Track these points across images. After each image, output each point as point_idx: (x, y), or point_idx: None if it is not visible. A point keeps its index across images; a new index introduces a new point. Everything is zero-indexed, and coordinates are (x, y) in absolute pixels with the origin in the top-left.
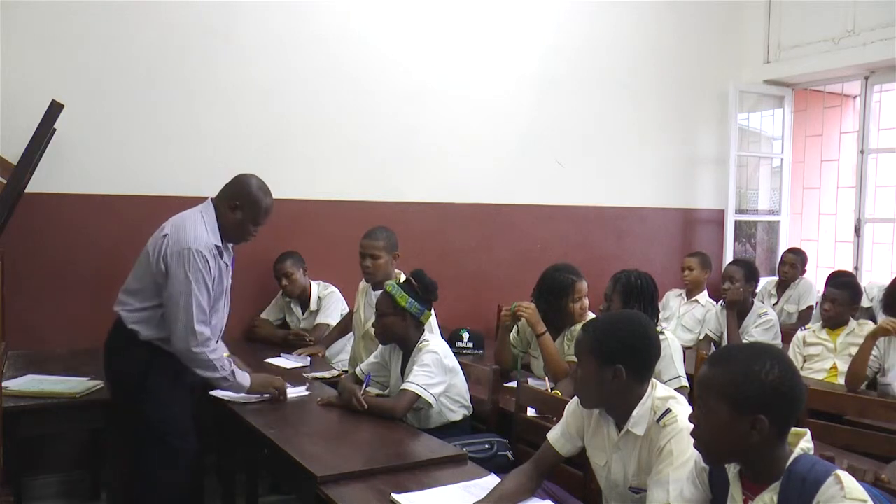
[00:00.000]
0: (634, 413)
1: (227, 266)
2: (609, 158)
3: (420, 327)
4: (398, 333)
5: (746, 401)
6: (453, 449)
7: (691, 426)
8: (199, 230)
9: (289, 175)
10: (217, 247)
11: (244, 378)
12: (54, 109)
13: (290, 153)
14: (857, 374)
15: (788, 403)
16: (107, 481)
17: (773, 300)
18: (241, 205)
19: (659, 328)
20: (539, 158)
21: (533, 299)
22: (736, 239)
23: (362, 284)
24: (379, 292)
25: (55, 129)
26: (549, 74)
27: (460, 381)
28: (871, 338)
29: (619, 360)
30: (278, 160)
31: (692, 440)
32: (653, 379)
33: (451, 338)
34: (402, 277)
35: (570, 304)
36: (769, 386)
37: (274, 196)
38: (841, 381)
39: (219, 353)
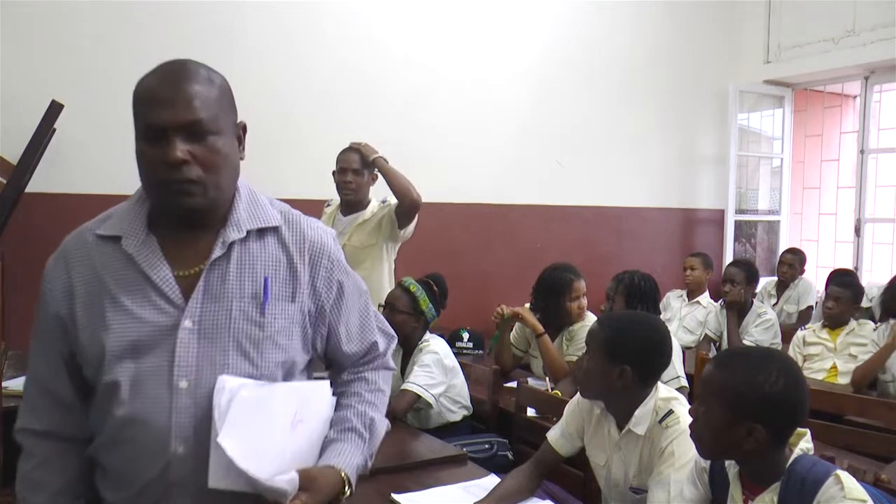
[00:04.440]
0: (636, 413)
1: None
2: (609, 158)
3: (425, 330)
4: (405, 332)
5: (745, 408)
6: (453, 449)
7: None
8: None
9: (290, 175)
10: (101, 236)
11: None
12: (54, 109)
13: (291, 153)
14: (865, 376)
15: (789, 415)
16: None
17: (773, 300)
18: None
19: None
20: (539, 158)
21: (532, 299)
22: (736, 239)
23: (330, 209)
24: (350, 217)
25: (55, 129)
26: (548, 75)
27: (460, 381)
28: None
29: (627, 362)
30: (279, 160)
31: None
32: None
33: (451, 338)
34: (375, 201)
35: (568, 303)
36: (770, 397)
37: (279, 196)
38: (841, 380)
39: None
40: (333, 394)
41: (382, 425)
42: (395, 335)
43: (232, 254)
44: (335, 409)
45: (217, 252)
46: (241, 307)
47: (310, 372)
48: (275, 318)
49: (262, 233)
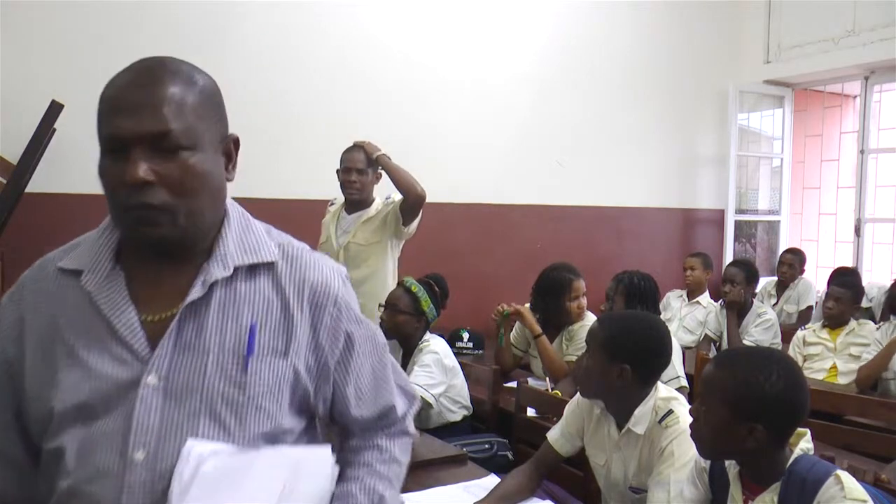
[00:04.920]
0: (636, 413)
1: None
2: (609, 158)
3: (426, 330)
4: (406, 332)
5: (745, 409)
6: (453, 449)
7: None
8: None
9: (290, 175)
10: (62, 270)
11: None
12: (54, 109)
13: (291, 153)
14: (871, 375)
15: (789, 415)
16: None
17: (773, 300)
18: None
19: None
20: (539, 158)
21: (532, 299)
22: (736, 239)
23: (334, 208)
24: (354, 215)
25: (55, 129)
26: (548, 74)
27: (460, 381)
28: None
29: (627, 361)
30: (279, 160)
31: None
32: None
33: (451, 338)
34: (379, 199)
35: (568, 303)
36: (770, 397)
37: (279, 196)
38: (841, 380)
39: None
40: (337, 462)
41: (395, 503)
42: (418, 395)
43: (213, 295)
44: (339, 482)
45: (195, 293)
46: (220, 362)
47: (310, 439)
48: (260, 376)
49: (253, 270)
